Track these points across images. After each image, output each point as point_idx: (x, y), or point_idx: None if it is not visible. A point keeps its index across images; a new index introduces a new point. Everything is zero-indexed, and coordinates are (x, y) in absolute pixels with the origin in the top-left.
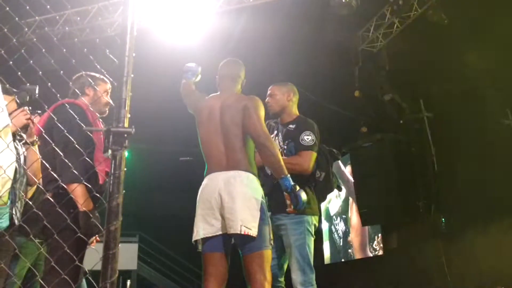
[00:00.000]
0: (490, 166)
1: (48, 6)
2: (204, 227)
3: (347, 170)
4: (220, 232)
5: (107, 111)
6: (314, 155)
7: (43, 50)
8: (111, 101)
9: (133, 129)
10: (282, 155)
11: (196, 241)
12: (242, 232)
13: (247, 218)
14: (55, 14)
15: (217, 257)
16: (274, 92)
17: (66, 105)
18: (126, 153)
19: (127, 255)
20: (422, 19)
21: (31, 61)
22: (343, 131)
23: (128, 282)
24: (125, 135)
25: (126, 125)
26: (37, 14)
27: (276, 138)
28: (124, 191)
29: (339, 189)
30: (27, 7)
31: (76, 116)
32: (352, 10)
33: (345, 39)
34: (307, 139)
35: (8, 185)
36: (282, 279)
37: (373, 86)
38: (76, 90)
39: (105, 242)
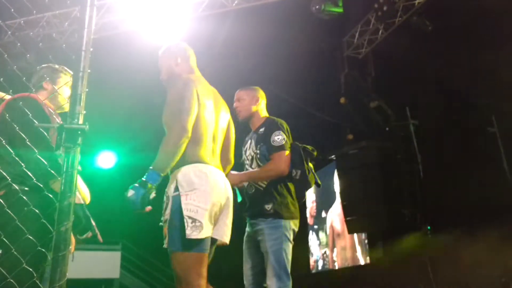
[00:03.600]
0: (476, 174)
1: (12, 9)
2: (209, 226)
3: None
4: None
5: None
6: (287, 153)
7: (5, 55)
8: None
9: (87, 126)
10: (256, 160)
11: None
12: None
13: None
14: (35, 16)
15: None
16: (242, 97)
17: (18, 99)
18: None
19: (110, 264)
20: (406, 25)
21: None
22: (329, 138)
23: None
24: (79, 132)
25: (80, 121)
26: (16, 17)
27: (250, 146)
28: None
29: (318, 186)
30: None
31: (29, 112)
32: (335, 15)
33: (330, 45)
34: (278, 139)
35: None
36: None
37: (359, 93)
38: (33, 84)
39: (55, 243)
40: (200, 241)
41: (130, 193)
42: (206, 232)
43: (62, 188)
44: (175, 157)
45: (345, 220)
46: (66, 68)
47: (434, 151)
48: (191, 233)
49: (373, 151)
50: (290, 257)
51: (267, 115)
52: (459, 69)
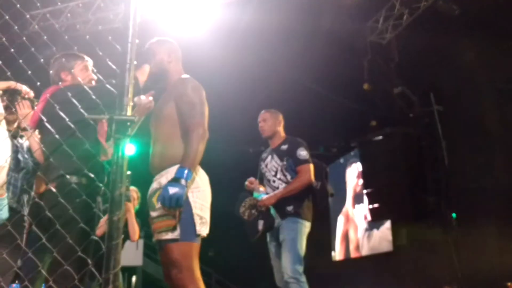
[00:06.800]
0: (501, 160)
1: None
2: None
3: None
4: None
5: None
6: (312, 166)
7: (45, 38)
8: (94, 76)
9: (136, 117)
10: (282, 171)
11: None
12: None
13: None
14: (60, 6)
15: None
16: (267, 118)
17: (66, 89)
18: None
19: (133, 251)
20: (432, 10)
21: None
22: (352, 124)
23: (134, 278)
24: (128, 123)
25: (129, 113)
26: (41, 7)
27: (272, 161)
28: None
29: (331, 195)
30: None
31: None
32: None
33: (353, 30)
34: (303, 153)
35: (3, 174)
36: None
37: (382, 79)
38: (52, 78)
39: (108, 232)
40: (199, 236)
41: (173, 190)
42: (208, 227)
43: (113, 178)
44: (201, 155)
45: (369, 208)
46: (77, 52)
47: (459, 137)
48: (200, 229)
49: (397, 138)
50: (304, 248)
51: (285, 134)
52: (485, 54)
